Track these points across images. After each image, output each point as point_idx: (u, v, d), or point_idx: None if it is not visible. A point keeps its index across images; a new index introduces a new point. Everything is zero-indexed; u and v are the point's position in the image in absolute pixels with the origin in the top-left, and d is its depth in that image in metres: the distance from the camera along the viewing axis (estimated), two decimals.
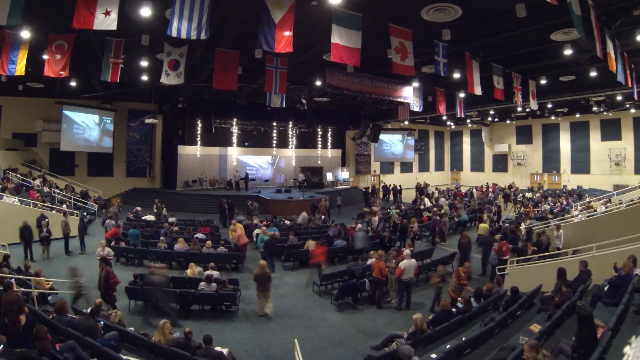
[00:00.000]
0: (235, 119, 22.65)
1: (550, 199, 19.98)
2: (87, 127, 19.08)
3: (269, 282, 7.85)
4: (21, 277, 7.32)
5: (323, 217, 16.67)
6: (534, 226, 13.24)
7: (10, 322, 4.37)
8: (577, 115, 23.58)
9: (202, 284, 7.72)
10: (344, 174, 26.77)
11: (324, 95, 17.37)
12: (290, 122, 24.14)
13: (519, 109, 19.73)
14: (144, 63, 11.77)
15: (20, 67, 8.92)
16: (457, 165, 33.40)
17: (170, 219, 13.73)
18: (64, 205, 14.00)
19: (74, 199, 15.68)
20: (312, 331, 7.10)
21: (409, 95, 14.85)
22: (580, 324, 4.37)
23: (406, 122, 26.29)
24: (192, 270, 8.66)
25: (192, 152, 22.21)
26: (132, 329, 6.15)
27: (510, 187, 23.99)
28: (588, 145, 24.78)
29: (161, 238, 11.04)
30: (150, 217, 14.42)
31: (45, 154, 19.19)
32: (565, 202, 18.02)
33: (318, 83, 14.72)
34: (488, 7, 8.93)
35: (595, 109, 20.37)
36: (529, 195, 21.76)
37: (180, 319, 7.32)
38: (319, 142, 26.63)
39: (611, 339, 4.29)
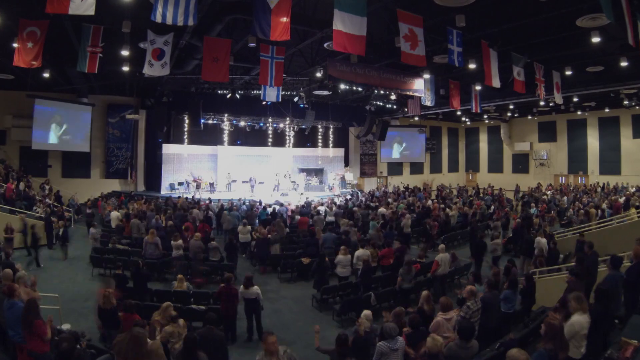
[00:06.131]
0: (226, 115, 22.64)
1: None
2: (61, 123, 19.11)
3: None
4: None
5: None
6: (557, 233, 13.17)
7: None
8: (606, 110, 23.59)
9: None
10: (347, 176, 25.68)
11: (324, 89, 17.41)
12: (288, 118, 24.15)
13: (542, 103, 19.70)
14: (125, 52, 11.70)
15: None
16: (472, 165, 33.40)
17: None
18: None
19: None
20: (312, 350, 7.05)
21: (419, 87, 14.83)
22: (596, 298, 4.64)
23: (416, 118, 26.28)
24: (181, 283, 8.34)
25: (178, 151, 22.24)
26: None
27: (536, 189, 23.96)
28: (619, 143, 24.73)
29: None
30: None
31: (15, 152, 19.22)
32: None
33: (318, 75, 14.75)
34: None
35: (626, 102, 20.36)
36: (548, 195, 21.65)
37: None
38: (319, 141, 26.65)
39: None
